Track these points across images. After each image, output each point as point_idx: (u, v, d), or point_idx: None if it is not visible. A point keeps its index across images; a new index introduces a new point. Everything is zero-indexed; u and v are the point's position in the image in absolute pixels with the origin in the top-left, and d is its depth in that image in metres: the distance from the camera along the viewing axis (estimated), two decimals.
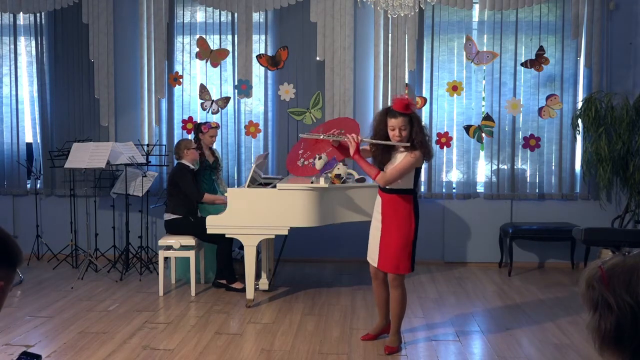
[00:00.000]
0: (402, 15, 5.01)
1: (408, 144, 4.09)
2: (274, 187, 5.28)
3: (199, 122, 6.72)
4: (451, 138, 6.85)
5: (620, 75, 6.73)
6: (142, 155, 6.46)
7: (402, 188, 4.18)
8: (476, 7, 6.78)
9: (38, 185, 7.13)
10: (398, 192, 4.19)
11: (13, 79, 7.09)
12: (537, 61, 6.74)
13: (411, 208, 4.20)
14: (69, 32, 6.98)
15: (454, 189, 6.97)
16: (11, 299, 5.50)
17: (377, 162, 4.24)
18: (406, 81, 6.78)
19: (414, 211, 4.20)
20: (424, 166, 6.76)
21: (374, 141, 4.20)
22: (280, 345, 4.38)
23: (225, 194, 5.41)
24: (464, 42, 6.75)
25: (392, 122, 4.09)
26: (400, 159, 4.14)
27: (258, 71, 6.92)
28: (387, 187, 4.20)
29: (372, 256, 4.32)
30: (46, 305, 5.33)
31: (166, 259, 5.85)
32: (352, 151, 4.18)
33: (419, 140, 4.09)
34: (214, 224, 5.22)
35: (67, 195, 6.85)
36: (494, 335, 4.65)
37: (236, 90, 6.91)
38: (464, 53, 6.77)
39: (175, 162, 6.06)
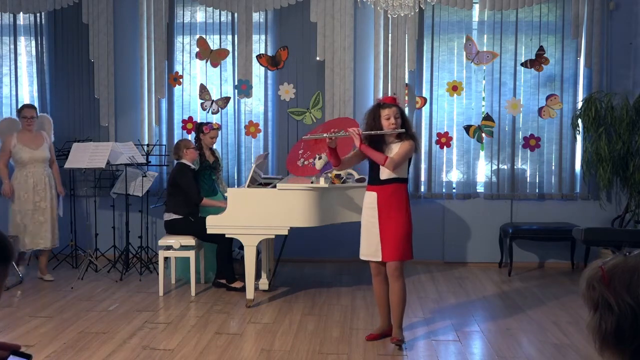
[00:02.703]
0: (402, 15, 5.01)
1: (403, 130, 4.30)
2: (274, 187, 5.28)
3: (199, 122, 6.71)
4: (451, 138, 6.85)
5: (620, 75, 6.73)
6: (142, 155, 6.46)
7: (399, 177, 4.34)
8: (476, 7, 6.78)
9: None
10: (395, 181, 4.33)
11: (13, 79, 7.09)
12: (537, 61, 6.75)
13: (406, 197, 4.39)
14: (69, 32, 6.98)
15: (454, 189, 6.97)
16: (11, 299, 5.50)
17: (371, 162, 4.40)
18: (406, 81, 6.78)
19: (408, 199, 4.40)
20: (423, 166, 6.90)
21: (372, 132, 4.33)
22: (280, 345, 4.38)
23: (226, 194, 5.42)
24: (464, 42, 6.76)
25: (387, 112, 4.29)
26: (396, 148, 4.30)
27: (258, 71, 6.92)
28: (382, 178, 4.34)
29: (372, 252, 4.36)
30: (46, 305, 5.32)
31: (166, 259, 5.84)
32: (357, 143, 4.31)
33: (411, 131, 4.41)
34: (214, 224, 5.22)
35: (67, 195, 6.83)
36: (494, 335, 4.66)
37: (236, 90, 6.91)
38: (464, 53, 6.77)
39: (175, 162, 6.06)
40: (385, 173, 4.31)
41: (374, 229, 4.34)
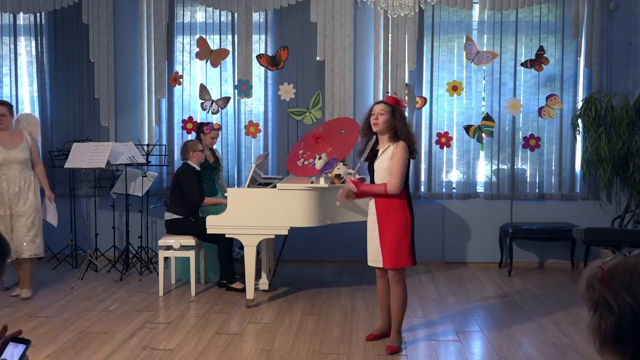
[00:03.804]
0: (402, 15, 5.01)
1: (384, 127, 4.22)
2: (274, 187, 5.28)
3: (200, 122, 6.70)
4: (451, 138, 6.85)
5: (620, 75, 6.73)
6: (142, 155, 6.46)
7: None
8: (476, 7, 6.78)
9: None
10: None
11: (13, 79, 7.09)
12: (537, 61, 6.75)
13: (403, 201, 4.27)
14: (69, 32, 6.98)
15: (454, 189, 6.97)
16: (11, 298, 5.50)
17: (368, 165, 4.42)
18: (406, 81, 6.78)
19: (407, 204, 4.29)
20: (423, 166, 6.89)
21: (360, 160, 4.40)
22: (280, 345, 4.38)
23: (226, 194, 5.42)
24: (464, 42, 6.76)
25: (373, 109, 4.30)
26: (387, 152, 4.24)
27: (258, 71, 6.92)
28: (377, 184, 4.30)
29: (375, 258, 4.34)
30: (46, 305, 5.32)
31: (166, 259, 5.84)
32: (355, 191, 4.34)
33: (403, 131, 4.24)
34: (214, 224, 5.22)
35: (67, 195, 6.84)
36: (494, 335, 4.65)
37: (236, 90, 6.91)
38: (464, 53, 6.77)
39: (181, 162, 6.05)
40: (378, 179, 4.29)
41: (375, 234, 4.33)
